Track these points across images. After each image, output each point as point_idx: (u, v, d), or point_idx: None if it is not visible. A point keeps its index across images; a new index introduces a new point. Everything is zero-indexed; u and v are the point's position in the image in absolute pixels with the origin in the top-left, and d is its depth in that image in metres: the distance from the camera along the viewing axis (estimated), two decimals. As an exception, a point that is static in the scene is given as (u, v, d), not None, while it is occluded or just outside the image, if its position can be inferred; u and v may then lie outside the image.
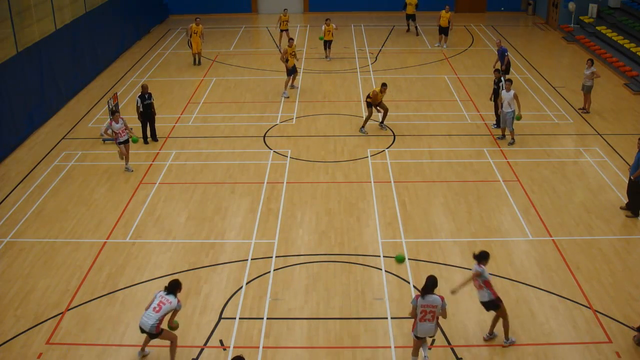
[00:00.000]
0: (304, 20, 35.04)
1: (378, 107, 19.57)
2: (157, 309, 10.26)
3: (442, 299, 9.95)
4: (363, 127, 19.72)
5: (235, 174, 17.22)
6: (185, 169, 17.56)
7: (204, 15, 35.03)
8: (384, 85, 19.40)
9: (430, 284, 9.94)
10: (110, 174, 17.16)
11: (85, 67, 24.56)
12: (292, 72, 22.92)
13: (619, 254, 13.54)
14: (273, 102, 22.48)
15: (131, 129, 17.32)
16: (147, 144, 19.01)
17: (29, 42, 20.41)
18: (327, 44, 26.95)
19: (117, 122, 16.83)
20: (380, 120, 19.96)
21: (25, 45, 20.05)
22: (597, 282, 12.64)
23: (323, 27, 26.53)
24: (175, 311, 10.40)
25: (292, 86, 23.52)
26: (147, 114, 18.82)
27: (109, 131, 16.93)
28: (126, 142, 17.03)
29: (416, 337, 10.15)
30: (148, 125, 19.05)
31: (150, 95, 18.86)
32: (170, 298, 10.35)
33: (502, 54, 22.47)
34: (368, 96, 19.41)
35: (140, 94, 18.79)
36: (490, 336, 11.10)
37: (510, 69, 23.04)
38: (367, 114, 19.73)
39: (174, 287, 10.44)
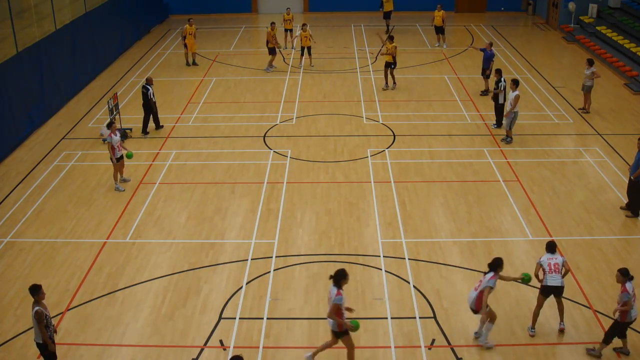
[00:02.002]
0: (304, 20, 35.00)
1: (392, 73, 23.31)
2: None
3: None
4: (386, 84, 23.46)
5: (235, 174, 17.22)
6: (185, 169, 17.56)
7: (204, 16, 35.13)
8: (390, 38, 23.03)
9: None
10: (110, 174, 17.13)
11: (85, 67, 24.56)
12: (272, 51, 25.49)
13: (619, 254, 13.54)
14: (273, 102, 22.49)
15: (130, 129, 17.26)
16: (147, 134, 19.71)
17: (29, 42, 20.41)
18: (307, 50, 25.90)
19: (115, 134, 16.10)
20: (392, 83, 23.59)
21: (25, 45, 20.05)
22: (597, 282, 12.64)
23: (299, 33, 26.31)
24: (337, 306, 9.89)
25: (272, 66, 25.86)
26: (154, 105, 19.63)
27: (114, 144, 15.95)
28: (121, 157, 16.37)
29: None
30: (145, 116, 19.77)
31: None
32: (332, 292, 10.00)
33: (489, 58, 22.31)
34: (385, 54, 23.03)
35: (149, 85, 19.50)
36: (561, 324, 11.31)
37: (490, 76, 22.34)
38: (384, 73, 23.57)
39: (338, 279, 10.04)
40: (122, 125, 19.65)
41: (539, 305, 11.19)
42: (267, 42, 25.32)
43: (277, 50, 25.65)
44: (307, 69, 25.97)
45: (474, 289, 10.69)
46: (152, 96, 19.38)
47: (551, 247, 11.17)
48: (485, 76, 22.59)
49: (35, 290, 9.88)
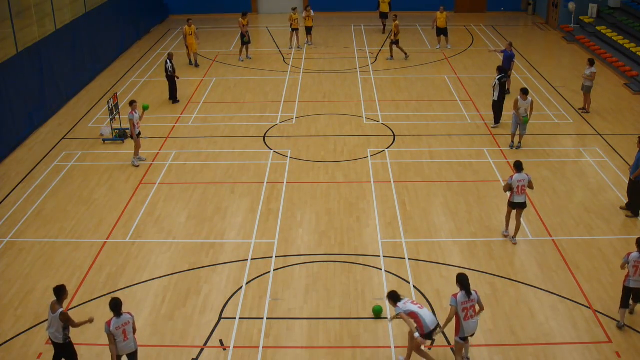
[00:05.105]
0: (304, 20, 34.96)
1: (399, 46, 26.73)
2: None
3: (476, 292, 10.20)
4: (406, 54, 27.17)
5: (235, 174, 17.22)
6: (185, 169, 17.56)
7: (204, 16, 35.10)
8: (394, 16, 27.28)
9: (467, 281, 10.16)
10: (110, 173, 17.16)
11: (85, 67, 24.56)
12: (244, 42, 27.17)
13: (619, 254, 13.53)
14: (273, 102, 22.49)
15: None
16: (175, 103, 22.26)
17: (29, 42, 20.40)
18: (308, 30, 29.36)
19: (135, 112, 17.29)
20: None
21: (25, 45, 20.05)
22: (597, 282, 12.65)
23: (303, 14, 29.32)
24: None
25: (248, 57, 27.64)
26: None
27: (135, 122, 17.24)
28: (139, 133, 17.63)
29: (462, 339, 10.24)
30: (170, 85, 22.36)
31: None
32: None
33: (509, 58, 22.10)
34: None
35: (171, 59, 21.96)
36: (513, 239, 13.82)
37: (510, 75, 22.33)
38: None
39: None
40: (122, 125, 19.65)
41: (508, 213, 13.86)
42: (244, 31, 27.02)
43: (246, 39, 27.08)
44: (305, 68, 25.98)
45: None
46: (170, 70, 21.78)
47: (519, 167, 13.55)
48: (507, 76, 22.14)
49: (61, 291, 10.00)
